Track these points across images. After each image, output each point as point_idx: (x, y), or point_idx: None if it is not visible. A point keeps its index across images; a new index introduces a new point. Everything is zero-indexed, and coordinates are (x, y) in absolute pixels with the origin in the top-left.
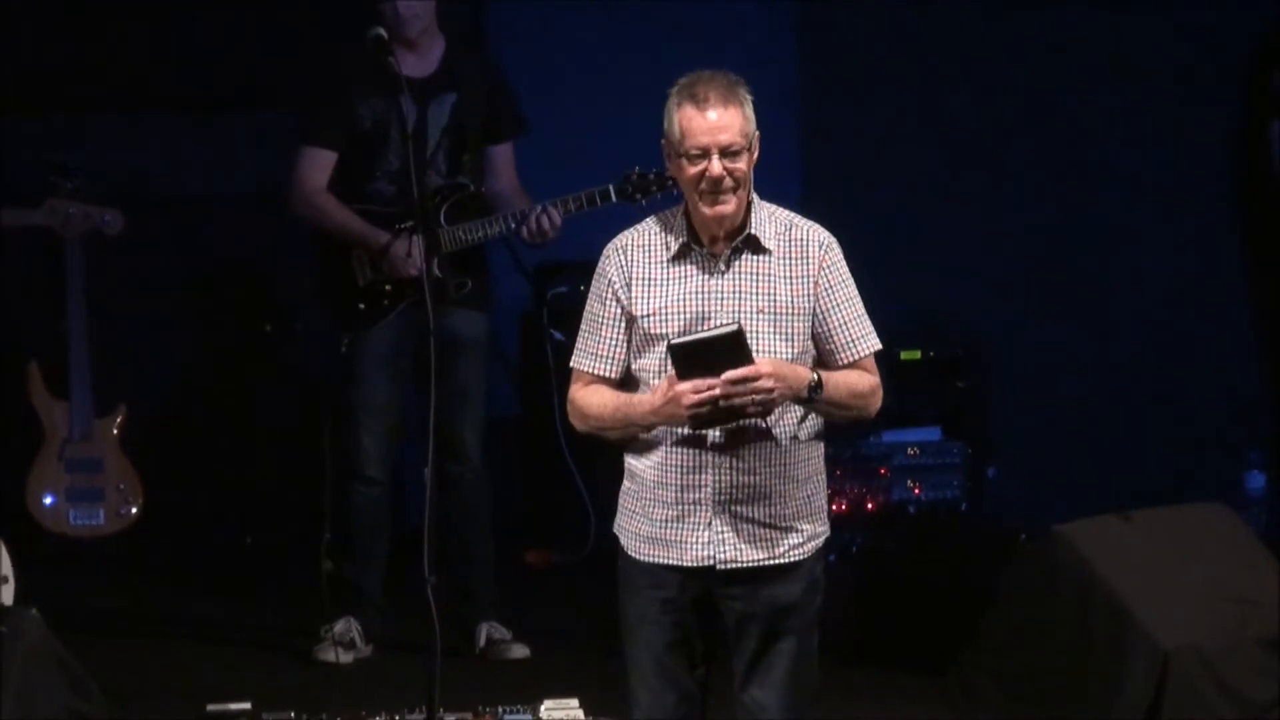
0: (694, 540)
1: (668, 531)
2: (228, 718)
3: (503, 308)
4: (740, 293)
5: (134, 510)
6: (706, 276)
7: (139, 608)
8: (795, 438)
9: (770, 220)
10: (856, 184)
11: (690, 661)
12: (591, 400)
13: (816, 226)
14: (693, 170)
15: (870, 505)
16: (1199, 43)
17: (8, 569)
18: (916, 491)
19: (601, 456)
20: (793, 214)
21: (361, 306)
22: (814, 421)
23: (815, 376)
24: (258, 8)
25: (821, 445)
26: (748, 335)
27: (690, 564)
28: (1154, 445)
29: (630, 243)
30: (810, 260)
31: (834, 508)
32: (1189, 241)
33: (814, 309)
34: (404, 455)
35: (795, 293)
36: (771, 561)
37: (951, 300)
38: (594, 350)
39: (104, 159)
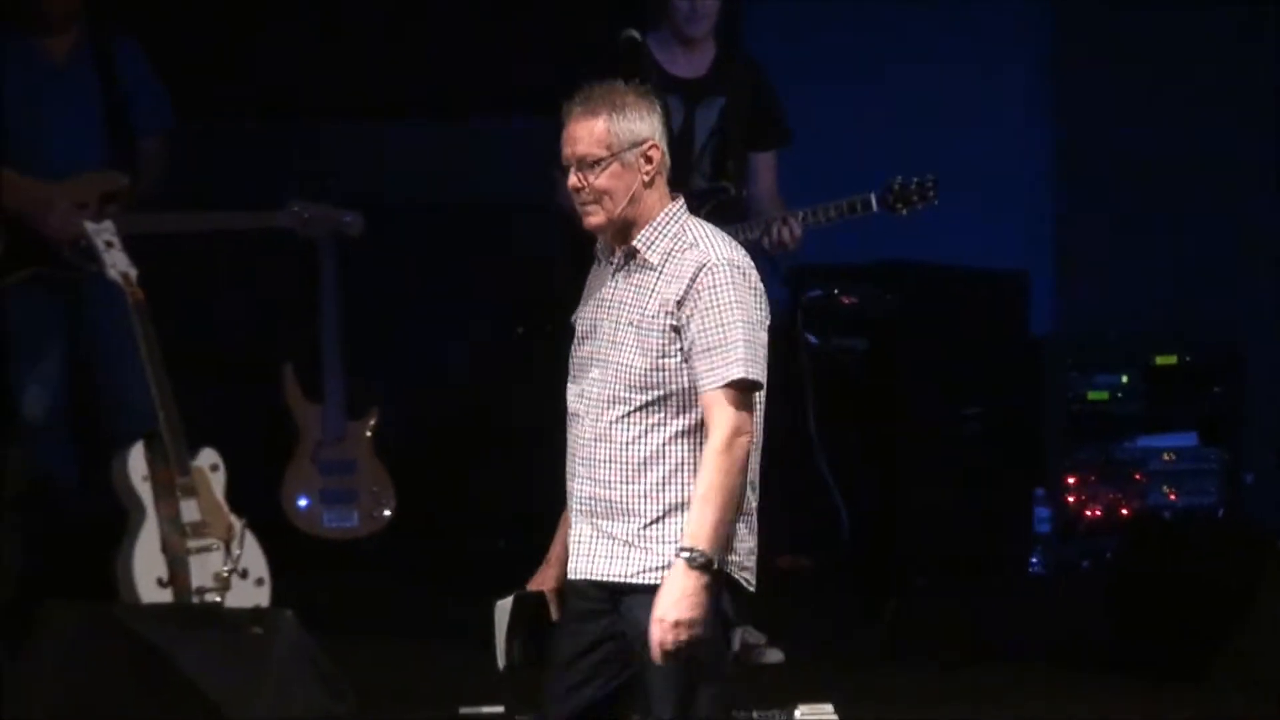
0: (571, 549)
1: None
2: None
3: None
4: (619, 303)
5: (386, 512)
6: (605, 286)
7: (392, 610)
8: (642, 459)
9: (676, 236)
10: (1113, 188)
11: (590, 679)
12: None
13: (715, 249)
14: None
15: (1125, 511)
16: None
17: (263, 571)
18: (1172, 497)
19: (855, 462)
20: (714, 236)
21: None
22: (656, 442)
23: (682, 556)
24: (510, 11)
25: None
26: (616, 347)
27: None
28: None
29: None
30: (681, 280)
31: (1088, 513)
32: None
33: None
34: None
35: (658, 309)
36: (621, 579)
37: (1208, 304)
38: None
39: (351, 163)
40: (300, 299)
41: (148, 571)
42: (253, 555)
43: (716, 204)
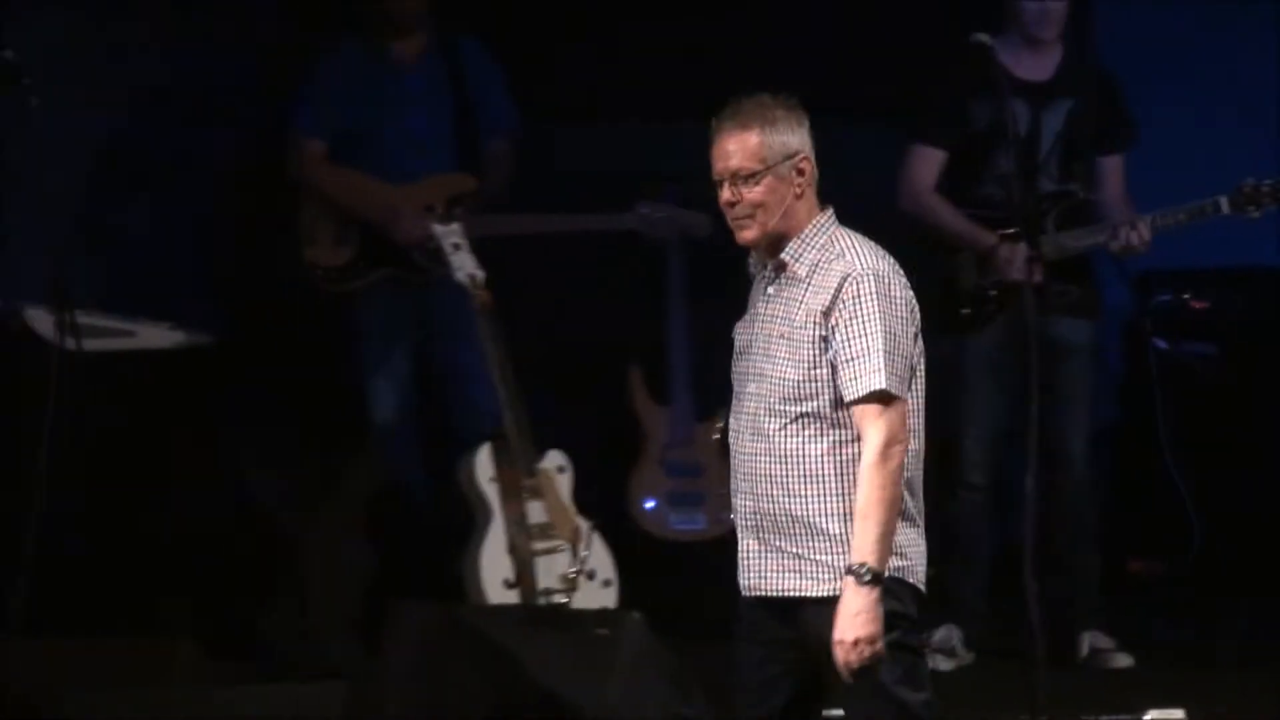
0: (739, 564)
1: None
2: None
3: (1105, 315)
4: (771, 316)
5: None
6: (759, 300)
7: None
8: (803, 471)
9: (823, 247)
10: None
11: (775, 693)
12: None
13: (864, 259)
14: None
15: None
16: None
17: (611, 572)
18: None
19: (1207, 466)
20: (861, 245)
21: (965, 311)
22: (816, 453)
23: (851, 574)
24: (856, 16)
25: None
26: (770, 360)
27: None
28: None
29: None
30: (827, 291)
31: None
32: None
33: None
34: (1007, 461)
35: (807, 319)
36: (796, 593)
37: None
38: None
39: (698, 165)
40: (647, 301)
41: (494, 573)
42: (600, 557)
43: (1064, 207)
